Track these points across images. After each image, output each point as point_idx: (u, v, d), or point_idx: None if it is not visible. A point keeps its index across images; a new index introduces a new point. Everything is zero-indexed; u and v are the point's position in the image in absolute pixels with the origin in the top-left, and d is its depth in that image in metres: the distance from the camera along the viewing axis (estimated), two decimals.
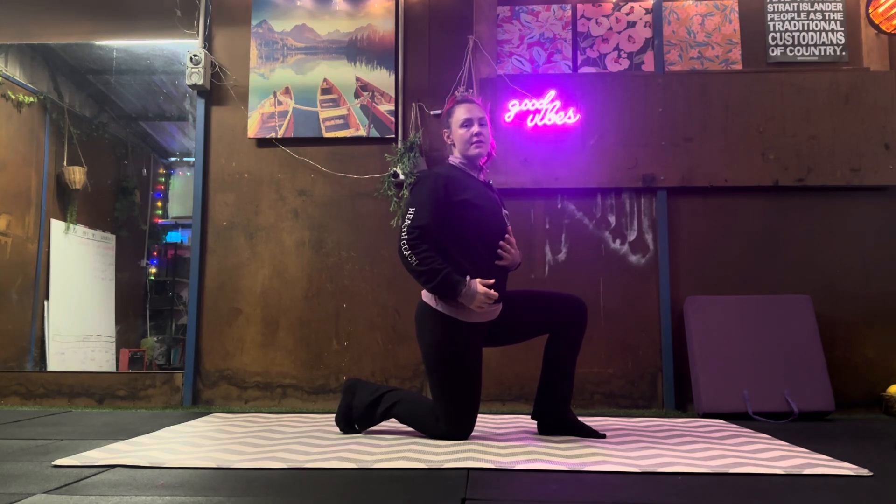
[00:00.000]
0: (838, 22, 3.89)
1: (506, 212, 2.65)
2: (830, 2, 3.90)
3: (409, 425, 2.61)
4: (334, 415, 2.81)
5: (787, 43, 3.89)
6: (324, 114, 3.90)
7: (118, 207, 6.11)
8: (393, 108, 3.87)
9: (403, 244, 2.40)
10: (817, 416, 3.31)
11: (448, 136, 2.65)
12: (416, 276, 2.43)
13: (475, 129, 2.59)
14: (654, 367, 3.64)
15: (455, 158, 2.65)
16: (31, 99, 4.91)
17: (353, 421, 2.66)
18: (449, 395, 2.47)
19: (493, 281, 2.44)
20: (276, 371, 3.75)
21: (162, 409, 3.61)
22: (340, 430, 2.68)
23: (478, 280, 2.41)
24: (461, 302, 2.40)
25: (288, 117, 3.90)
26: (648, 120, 3.74)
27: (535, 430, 2.70)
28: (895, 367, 3.58)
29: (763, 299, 3.54)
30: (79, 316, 5.29)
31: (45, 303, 4.96)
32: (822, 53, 3.87)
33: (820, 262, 3.67)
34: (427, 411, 2.53)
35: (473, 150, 2.60)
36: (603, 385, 3.64)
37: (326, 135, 3.88)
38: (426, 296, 2.52)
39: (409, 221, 2.41)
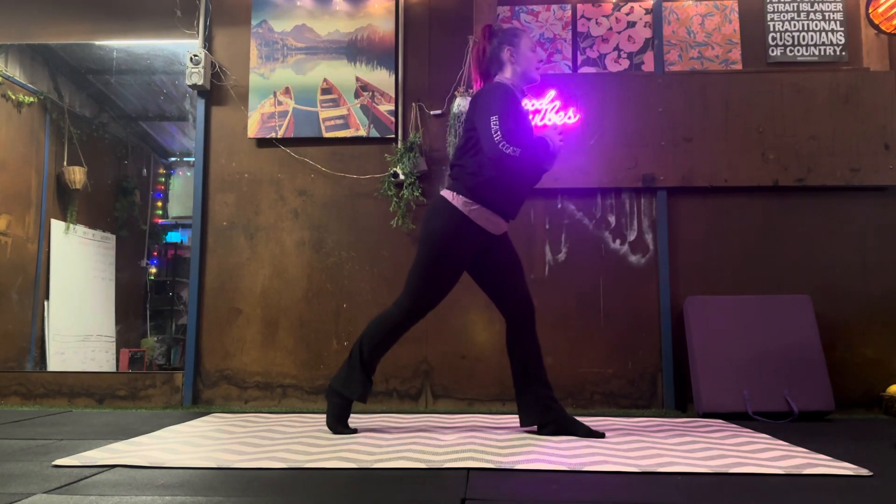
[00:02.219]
0: (838, 22, 3.89)
1: None
2: (830, 2, 3.90)
3: (381, 343, 2.67)
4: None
5: (787, 43, 3.89)
6: (324, 114, 3.90)
7: (118, 207, 6.11)
8: (393, 108, 3.87)
9: (504, 146, 2.45)
10: (817, 416, 3.31)
11: (511, 55, 2.69)
12: (526, 160, 2.51)
13: (540, 55, 2.75)
14: (654, 367, 3.64)
15: (506, 79, 2.70)
16: (31, 99, 4.91)
17: (346, 417, 2.67)
18: (426, 280, 2.60)
19: (556, 126, 2.68)
20: (276, 371, 3.75)
21: (162, 409, 3.61)
22: (334, 433, 2.65)
23: (545, 130, 2.63)
24: (552, 152, 2.58)
25: (288, 117, 3.90)
26: (648, 120, 3.75)
27: (535, 431, 2.70)
28: (895, 367, 3.58)
29: (763, 299, 3.54)
30: (79, 316, 5.29)
31: (45, 303, 4.96)
32: (822, 53, 3.87)
33: (820, 262, 3.67)
34: (383, 314, 2.67)
35: (537, 75, 2.77)
36: (603, 385, 3.64)
37: (326, 135, 3.88)
38: (446, 192, 2.62)
39: (499, 126, 2.47)
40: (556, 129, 2.65)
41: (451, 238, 2.57)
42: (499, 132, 2.46)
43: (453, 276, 2.64)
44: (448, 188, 2.63)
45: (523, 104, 2.67)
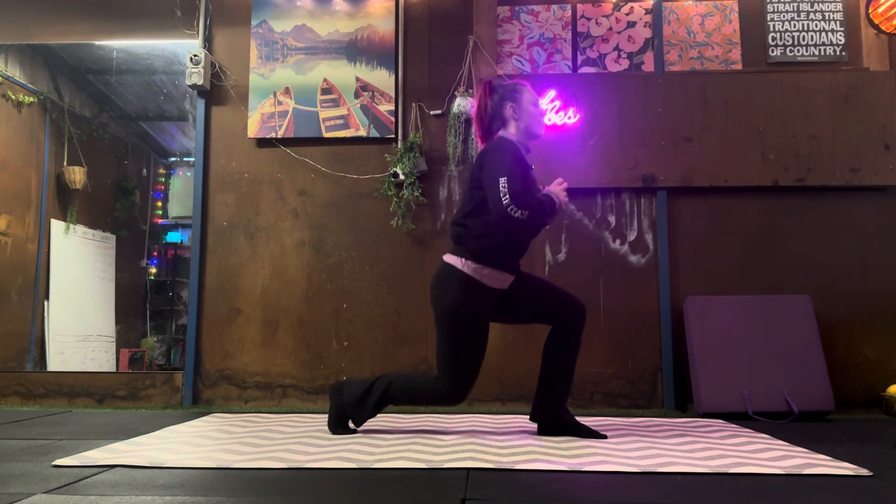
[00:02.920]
0: (838, 22, 3.89)
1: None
2: (830, 2, 3.90)
3: (407, 401, 2.66)
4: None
5: (787, 43, 3.89)
6: (324, 114, 3.90)
7: (118, 207, 6.11)
8: (393, 108, 3.87)
9: (512, 210, 2.42)
10: (817, 416, 3.31)
11: (514, 112, 2.67)
12: (532, 222, 2.50)
13: (543, 110, 2.74)
14: (654, 367, 3.64)
15: (512, 135, 2.68)
16: (31, 99, 4.91)
17: (347, 418, 2.67)
18: (456, 356, 2.56)
19: (561, 182, 2.64)
20: (276, 371, 3.75)
21: (162, 409, 3.61)
22: (334, 433, 2.65)
23: (550, 187, 2.61)
24: (557, 209, 2.57)
25: (288, 117, 3.90)
26: (648, 120, 3.75)
27: (535, 431, 2.70)
28: (895, 367, 3.58)
29: (763, 299, 3.54)
30: (79, 316, 5.29)
31: (45, 303, 4.96)
32: (822, 53, 3.87)
33: (820, 262, 3.67)
34: (421, 379, 2.65)
35: (541, 130, 2.76)
36: (603, 385, 3.64)
37: (326, 135, 3.88)
38: (450, 258, 2.59)
39: (507, 189, 2.43)
40: (561, 185, 2.62)
41: (468, 306, 2.54)
42: (507, 195, 2.42)
43: (482, 340, 2.59)
44: (452, 252, 2.59)
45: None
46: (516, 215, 2.42)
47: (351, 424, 2.69)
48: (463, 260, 2.55)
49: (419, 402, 2.66)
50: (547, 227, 2.68)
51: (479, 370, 2.60)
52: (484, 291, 2.56)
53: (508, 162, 2.49)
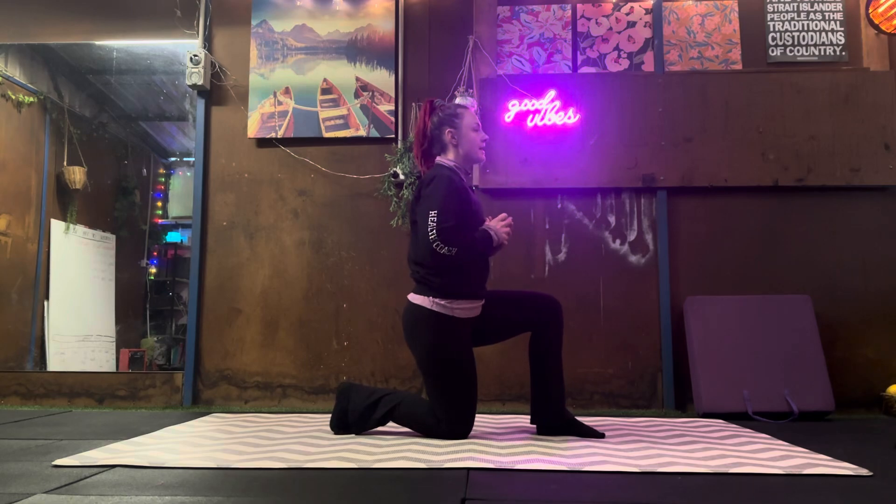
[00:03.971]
0: (838, 22, 3.89)
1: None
2: (830, 2, 3.90)
3: (409, 427, 2.62)
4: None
5: (787, 43, 3.89)
6: (324, 114, 3.90)
7: (118, 207, 6.10)
8: (393, 108, 3.87)
9: (438, 246, 2.40)
10: (817, 416, 3.31)
11: (453, 137, 2.64)
12: (462, 259, 2.47)
13: (483, 135, 2.71)
14: (654, 367, 3.64)
15: (449, 161, 2.64)
16: (31, 99, 4.91)
17: (349, 425, 2.65)
18: (449, 395, 2.51)
19: (505, 217, 2.58)
20: (276, 371, 3.75)
21: (162, 409, 3.61)
22: (336, 433, 2.65)
23: (491, 222, 2.56)
24: (495, 247, 2.52)
25: (288, 117, 3.90)
26: (648, 120, 3.75)
27: (535, 431, 2.70)
28: (895, 367, 3.58)
29: (763, 299, 3.54)
30: (79, 316, 5.29)
31: (45, 303, 4.96)
32: (822, 53, 3.87)
33: (820, 262, 3.67)
34: (427, 412, 2.55)
35: (481, 155, 2.71)
36: (603, 385, 3.64)
37: (326, 135, 3.88)
38: (417, 298, 2.54)
39: (436, 224, 2.41)
40: (504, 221, 2.56)
41: (445, 341, 2.50)
42: (434, 231, 2.39)
43: (470, 371, 2.54)
44: (417, 292, 2.55)
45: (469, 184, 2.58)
46: (443, 252, 2.40)
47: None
48: (430, 299, 2.50)
49: (421, 433, 2.59)
50: (490, 256, 2.62)
51: (474, 402, 2.55)
52: (458, 325, 2.51)
53: (441, 194, 2.45)
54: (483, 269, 2.61)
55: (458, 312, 2.51)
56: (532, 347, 2.66)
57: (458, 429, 2.51)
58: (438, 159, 2.66)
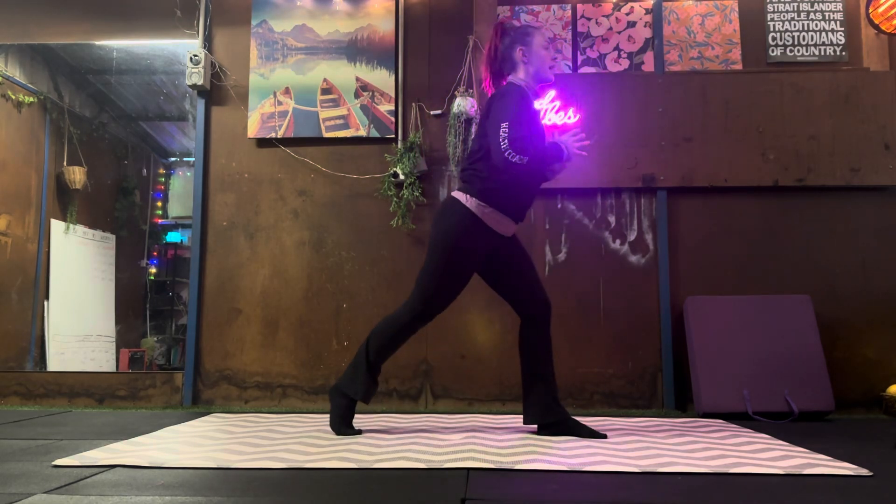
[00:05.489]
0: (838, 22, 3.89)
1: None
2: (830, 2, 3.90)
3: (388, 346, 2.65)
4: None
5: (787, 43, 3.89)
6: (324, 114, 3.90)
7: (118, 207, 6.11)
8: (393, 108, 3.87)
9: (510, 155, 2.45)
10: (817, 416, 3.31)
11: (524, 55, 2.67)
12: (534, 166, 2.52)
13: (553, 54, 2.74)
14: (654, 367, 3.64)
15: (520, 79, 2.68)
16: (31, 99, 4.91)
17: (349, 418, 2.65)
18: (438, 280, 2.58)
19: (577, 132, 2.65)
20: (276, 371, 3.75)
21: (162, 409, 3.61)
22: (337, 433, 2.64)
23: (563, 136, 2.62)
24: (565, 160, 2.58)
25: (288, 117, 3.90)
26: (648, 120, 3.74)
27: (535, 431, 2.70)
28: (895, 367, 3.58)
29: (763, 299, 3.54)
30: (79, 316, 5.29)
31: (45, 303, 4.96)
32: (822, 53, 3.87)
33: (820, 262, 3.67)
34: (390, 316, 2.65)
35: (550, 74, 2.74)
36: (603, 385, 3.64)
37: (326, 135, 3.88)
38: (458, 194, 2.61)
39: (507, 134, 2.45)
40: (576, 136, 2.63)
41: (464, 238, 2.56)
42: (506, 140, 2.44)
43: (465, 277, 2.63)
44: (460, 190, 2.62)
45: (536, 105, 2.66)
46: (514, 160, 2.45)
47: (354, 423, 2.69)
48: (468, 196, 2.57)
49: (397, 340, 2.65)
50: (553, 176, 2.68)
51: (451, 299, 2.63)
52: (482, 231, 2.57)
53: (513, 108, 2.51)
54: (528, 193, 2.66)
55: (488, 219, 2.56)
56: (522, 341, 2.74)
57: (427, 310, 2.60)
58: (510, 78, 2.70)
